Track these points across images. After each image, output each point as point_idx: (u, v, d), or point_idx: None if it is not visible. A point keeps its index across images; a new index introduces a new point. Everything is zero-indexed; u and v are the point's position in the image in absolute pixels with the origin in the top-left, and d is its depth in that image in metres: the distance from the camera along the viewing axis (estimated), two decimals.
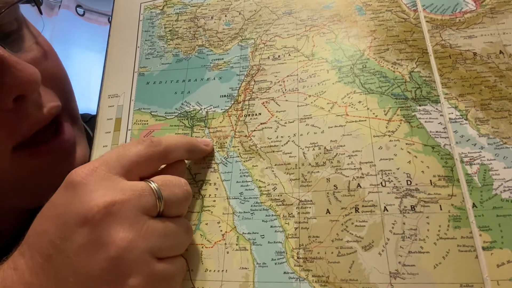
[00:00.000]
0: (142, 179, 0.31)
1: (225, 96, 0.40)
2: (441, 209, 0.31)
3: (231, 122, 0.39)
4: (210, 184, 0.37)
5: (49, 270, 0.27)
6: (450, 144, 0.33)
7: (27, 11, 0.39)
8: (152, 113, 0.41)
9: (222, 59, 0.42)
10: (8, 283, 0.27)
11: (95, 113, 0.45)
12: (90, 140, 0.43)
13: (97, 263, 0.27)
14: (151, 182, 0.30)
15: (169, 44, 0.45)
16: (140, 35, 0.46)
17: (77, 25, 1.67)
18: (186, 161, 0.37)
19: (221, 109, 0.40)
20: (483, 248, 0.29)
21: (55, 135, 0.39)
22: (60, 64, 0.42)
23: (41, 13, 0.41)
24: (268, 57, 0.40)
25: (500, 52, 0.35)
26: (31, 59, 0.36)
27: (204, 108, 0.40)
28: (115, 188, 0.29)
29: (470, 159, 0.32)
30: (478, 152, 0.32)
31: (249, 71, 0.40)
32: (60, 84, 0.41)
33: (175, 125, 0.40)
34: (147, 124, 0.41)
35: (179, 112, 0.41)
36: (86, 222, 0.27)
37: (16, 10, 0.37)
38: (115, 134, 0.41)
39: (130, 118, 0.42)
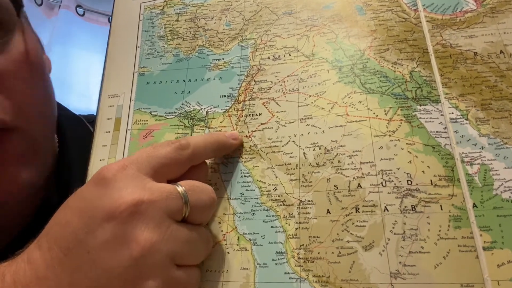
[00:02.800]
0: (169, 181, 0.31)
1: (225, 96, 0.40)
2: (441, 209, 0.31)
3: (232, 122, 0.39)
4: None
5: (66, 264, 0.26)
6: (450, 144, 0.32)
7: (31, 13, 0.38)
8: (152, 113, 0.41)
9: (223, 59, 0.42)
10: (20, 277, 0.26)
11: None
12: None
13: (119, 260, 0.27)
14: (179, 186, 0.30)
15: (169, 44, 0.44)
16: (140, 35, 0.46)
17: (77, 25, 1.67)
18: None
19: (221, 109, 0.40)
20: (484, 248, 0.29)
21: None
22: (32, 83, 0.38)
23: (18, 16, 0.38)
24: (269, 57, 0.40)
25: (501, 52, 0.35)
26: None
27: (204, 108, 0.40)
28: (143, 188, 0.28)
29: (470, 159, 0.32)
30: (479, 152, 0.32)
31: (250, 71, 0.40)
32: (20, 101, 0.37)
33: (175, 125, 0.40)
34: (147, 124, 0.41)
35: (179, 112, 0.41)
36: (112, 218, 0.27)
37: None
38: (114, 134, 0.41)
39: (130, 118, 0.42)
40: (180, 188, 0.30)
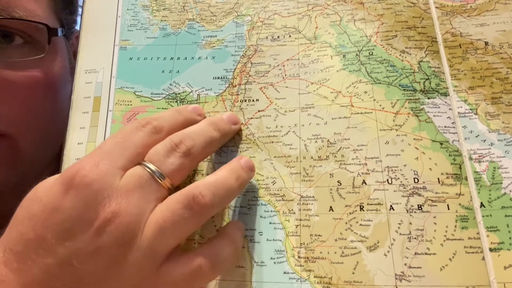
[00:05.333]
0: None
1: (218, 78, 0.37)
2: (448, 209, 0.29)
3: (226, 108, 0.36)
4: (202, 174, 0.34)
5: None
6: (458, 140, 0.31)
7: None
8: (137, 93, 0.38)
9: (216, 36, 0.39)
10: None
11: None
12: None
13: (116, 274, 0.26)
14: (147, 164, 0.28)
15: (154, 16, 0.40)
16: (121, 2, 0.42)
17: None
18: None
19: (215, 93, 0.37)
20: (490, 250, 0.28)
21: None
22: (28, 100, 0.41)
23: (49, 43, 0.42)
24: (266, 37, 0.37)
25: None
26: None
27: (196, 91, 0.37)
28: (118, 192, 0.26)
29: (479, 156, 0.31)
30: (488, 148, 0.31)
31: (246, 51, 0.37)
32: (17, 113, 0.40)
33: (162, 108, 0.37)
34: (131, 105, 0.37)
35: (167, 93, 0.37)
36: (94, 230, 0.25)
37: (28, 27, 0.40)
38: (94, 115, 0.38)
39: (111, 98, 0.38)
40: (148, 168, 0.28)
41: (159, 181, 0.28)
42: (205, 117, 0.35)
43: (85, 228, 0.25)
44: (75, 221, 0.25)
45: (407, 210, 0.30)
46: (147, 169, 0.28)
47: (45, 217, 0.25)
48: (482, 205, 0.29)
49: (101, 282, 0.25)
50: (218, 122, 0.32)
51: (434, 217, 0.29)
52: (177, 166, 0.29)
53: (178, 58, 0.38)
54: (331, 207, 0.31)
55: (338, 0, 0.37)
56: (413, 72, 0.33)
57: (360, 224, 0.30)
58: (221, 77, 0.37)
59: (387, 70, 0.34)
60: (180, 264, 0.27)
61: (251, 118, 0.35)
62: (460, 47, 0.34)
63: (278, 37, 0.37)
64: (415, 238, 0.29)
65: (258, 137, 0.34)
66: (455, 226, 0.29)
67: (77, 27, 0.51)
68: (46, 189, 0.27)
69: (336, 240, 0.30)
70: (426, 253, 0.29)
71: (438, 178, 0.30)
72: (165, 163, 0.28)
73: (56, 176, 0.27)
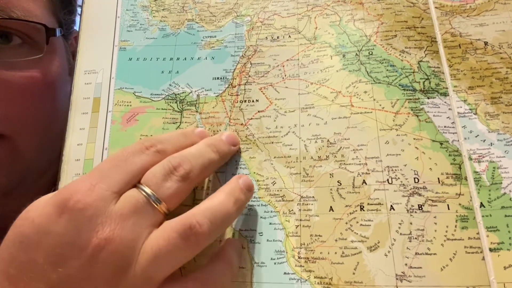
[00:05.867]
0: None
1: (218, 78, 0.37)
2: (448, 209, 0.30)
3: (225, 108, 0.36)
4: None
5: None
6: (458, 140, 0.31)
7: None
8: (136, 94, 0.38)
9: (215, 36, 0.38)
10: None
11: None
12: None
13: None
14: (144, 187, 0.27)
15: (154, 16, 0.40)
16: (121, 3, 0.42)
17: None
18: None
19: (214, 93, 0.36)
20: (490, 250, 0.28)
21: None
22: (23, 101, 0.40)
23: (47, 43, 0.41)
24: (266, 37, 0.37)
25: None
26: None
27: (195, 91, 0.37)
28: (113, 218, 0.25)
29: (478, 156, 0.31)
30: (487, 148, 0.31)
31: (245, 52, 0.37)
32: (14, 113, 0.39)
33: (162, 109, 0.37)
34: (130, 106, 0.37)
35: (166, 94, 0.37)
36: (86, 256, 0.24)
37: (24, 27, 0.39)
38: (93, 116, 0.37)
39: (110, 98, 0.38)
40: (144, 191, 0.27)
41: (155, 205, 0.27)
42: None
43: (77, 254, 0.24)
44: (67, 246, 0.24)
45: (407, 210, 0.30)
46: (143, 192, 0.27)
47: (37, 240, 0.25)
48: (482, 205, 0.29)
49: None
50: (217, 144, 0.32)
51: (435, 217, 0.29)
52: (174, 190, 0.28)
53: (178, 59, 0.38)
54: (331, 207, 0.31)
55: (338, 1, 0.37)
56: (413, 72, 0.33)
57: (361, 224, 0.30)
58: (221, 78, 0.37)
59: (387, 70, 0.34)
60: None
61: (251, 118, 0.35)
62: (460, 47, 0.34)
63: (278, 37, 0.37)
64: (415, 238, 0.29)
65: (258, 138, 0.34)
66: (455, 226, 0.29)
67: (76, 27, 0.51)
68: (39, 209, 0.26)
69: (336, 240, 0.30)
70: (426, 253, 0.29)
71: (438, 178, 0.30)
72: (162, 187, 0.28)
73: (50, 195, 0.27)
